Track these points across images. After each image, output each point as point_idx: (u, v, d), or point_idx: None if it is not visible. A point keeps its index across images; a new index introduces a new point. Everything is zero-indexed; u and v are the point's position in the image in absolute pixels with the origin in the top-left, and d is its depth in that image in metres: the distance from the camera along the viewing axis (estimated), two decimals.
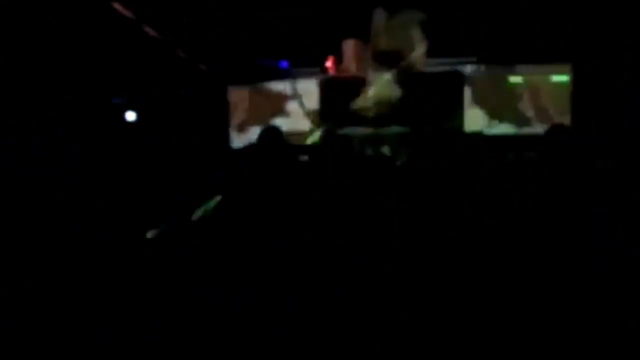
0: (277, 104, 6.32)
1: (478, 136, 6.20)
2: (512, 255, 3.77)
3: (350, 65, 6.53)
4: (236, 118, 6.30)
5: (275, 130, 3.93)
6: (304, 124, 6.34)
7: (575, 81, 6.02)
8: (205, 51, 6.00)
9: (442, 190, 4.75)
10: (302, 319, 3.22)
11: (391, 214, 3.85)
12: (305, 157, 4.79)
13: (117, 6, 4.85)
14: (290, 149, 4.01)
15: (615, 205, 3.78)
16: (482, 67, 6.25)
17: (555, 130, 4.32)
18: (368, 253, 3.67)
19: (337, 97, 6.42)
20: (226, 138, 6.21)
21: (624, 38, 5.72)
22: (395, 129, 6.19)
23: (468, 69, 6.30)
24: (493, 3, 5.96)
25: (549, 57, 6.00)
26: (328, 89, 6.47)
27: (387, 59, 6.41)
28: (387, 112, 6.30)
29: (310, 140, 6.13)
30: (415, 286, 3.58)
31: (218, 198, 3.86)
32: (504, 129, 6.22)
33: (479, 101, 6.31)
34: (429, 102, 6.30)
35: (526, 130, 6.15)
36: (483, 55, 6.17)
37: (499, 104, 6.26)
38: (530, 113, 6.11)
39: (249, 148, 4.35)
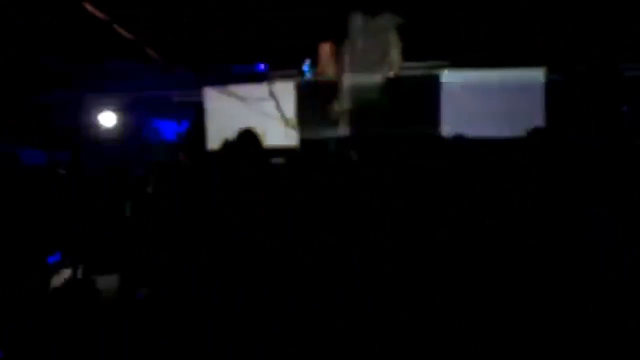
0: (253, 107, 6.28)
1: (456, 140, 6.22)
2: (496, 254, 3.79)
3: (327, 68, 6.52)
4: (211, 120, 6.23)
5: (251, 133, 3.90)
6: (280, 127, 6.31)
7: (550, 84, 6.08)
8: (180, 53, 5.94)
9: (422, 192, 4.76)
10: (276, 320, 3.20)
11: (366, 215, 3.86)
12: (280, 160, 4.76)
13: (89, 6, 4.77)
14: (266, 152, 3.99)
15: (609, 205, 3.82)
16: (457, 71, 6.29)
17: (539, 133, 4.36)
18: (342, 252, 3.67)
19: (314, 101, 6.40)
20: (202, 141, 6.15)
21: (602, 42, 5.82)
22: (372, 132, 6.20)
23: (444, 72, 6.33)
24: (468, 7, 6.02)
25: (524, 60, 6.06)
26: (304, 92, 6.45)
27: (363, 63, 6.42)
28: (364, 115, 6.30)
29: (285, 143, 6.09)
30: (384, 285, 3.58)
31: (193, 200, 3.82)
32: (482, 132, 6.24)
33: (455, 105, 6.34)
34: (406, 106, 6.31)
35: (505, 133, 6.18)
36: (457, 58, 6.21)
37: (474, 108, 6.29)
38: (505, 116, 6.15)
39: (225, 150, 4.30)
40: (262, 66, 6.37)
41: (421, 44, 6.28)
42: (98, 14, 4.78)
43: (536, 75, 6.18)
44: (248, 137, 3.79)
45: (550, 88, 6.02)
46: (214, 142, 6.17)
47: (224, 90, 6.21)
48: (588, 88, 5.87)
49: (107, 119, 5.79)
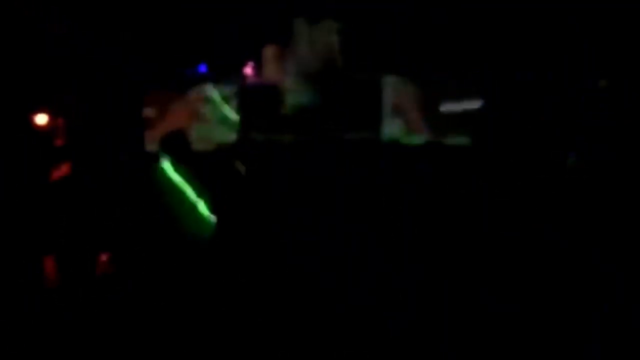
0: (195, 109, 6.25)
1: (395, 145, 6.33)
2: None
3: (270, 71, 6.54)
4: (153, 122, 6.17)
5: (180, 134, 3.88)
6: (221, 130, 6.29)
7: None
8: (123, 56, 5.87)
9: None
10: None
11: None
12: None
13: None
14: (194, 154, 3.98)
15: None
16: (398, 77, 6.40)
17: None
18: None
19: (256, 104, 6.41)
20: (141, 142, 6.08)
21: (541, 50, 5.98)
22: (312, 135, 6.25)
23: (386, 78, 6.42)
24: (409, 17, 6.14)
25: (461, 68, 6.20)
26: (247, 95, 6.45)
27: (307, 66, 6.46)
28: (306, 119, 6.35)
29: (222, 146, 6.08)
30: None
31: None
32: (419, 138, 6.36)
33: (396, 110, 6.44)
34: (348, 109, 6.38)
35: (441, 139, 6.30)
36: (398, 66, 6.31)
37: (415, 114, 6.41)
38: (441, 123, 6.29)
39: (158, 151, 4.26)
40: (204, 68, 6.34)
41: (363, 50, 6.37)
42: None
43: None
44: (176, 138, 3.78)
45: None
46: (152, 143, 6.12)
47: (165, 92, 6.18)
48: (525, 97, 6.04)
49: (41, 119, 5.67)
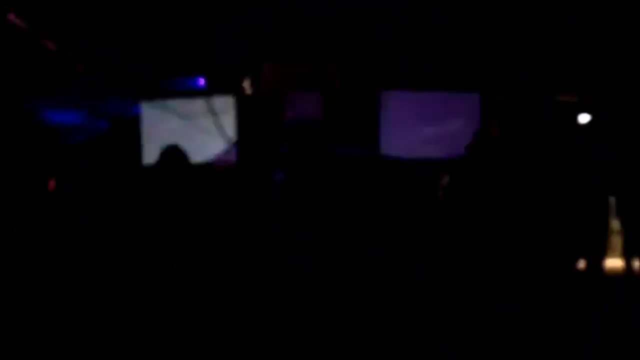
0: (192, 122, 6.19)
1: (394, 159, 6.29)
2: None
3: (270, 84, 6.49)
4: (147, 136, 6.10)
5: (176, 149, 3.84)
6: (220, 143, 6.23)
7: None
8: (117, 67, 5.83)
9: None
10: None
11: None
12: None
13: (12, 17, 4.58)
14: (192, 168, 3.94)
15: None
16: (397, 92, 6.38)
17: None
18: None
19: (256, 117, 6.37)
20: (138, 155, 6.02)
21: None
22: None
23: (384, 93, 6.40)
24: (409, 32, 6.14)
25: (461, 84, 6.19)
26: (245, 109, 6.40)
27: (307, 81, 6.44)
28: (303, 132, 6.30)
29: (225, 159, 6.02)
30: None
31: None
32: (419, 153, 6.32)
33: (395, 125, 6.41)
34: (346, 123, 6.35)
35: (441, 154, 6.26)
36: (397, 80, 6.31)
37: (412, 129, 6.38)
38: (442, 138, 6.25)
39: (153, 167, 4.24)
40: (202, 81, 6.29)
41: (363, 64, 6.36)
42: (22, 25, 4.61)
43: (472, 99, 6.31)
44: (173, 154, 3.74)
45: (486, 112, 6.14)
46: (150, 157, 6.06)
47: (161, 104, 6.12)
48: (522, 113, 6.03)
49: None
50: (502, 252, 3.88)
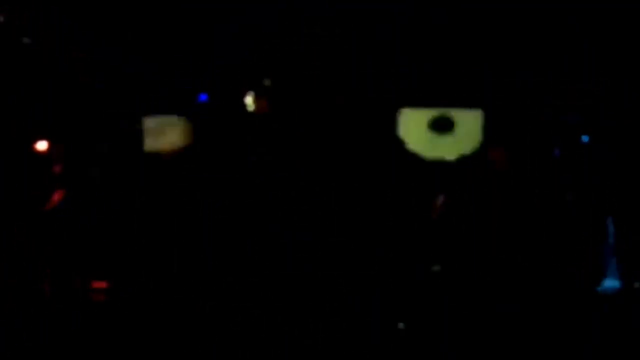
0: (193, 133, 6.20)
1: None
2: None
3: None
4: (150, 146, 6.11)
5: (177, 157, 3.87)
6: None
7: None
8: (119, 80, 5.89)
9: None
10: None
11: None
12: None
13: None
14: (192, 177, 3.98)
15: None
16: None
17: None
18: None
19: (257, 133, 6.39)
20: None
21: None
22: None
23: None
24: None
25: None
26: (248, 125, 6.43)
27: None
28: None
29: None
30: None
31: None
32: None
33: None
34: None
35: None
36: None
37: None
38: None
39: None
40: (204, 97, 6.35)
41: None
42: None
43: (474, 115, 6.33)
44: (174, 161, 3.78)
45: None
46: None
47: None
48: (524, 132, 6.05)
49: (41, 145, 5.66)
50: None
